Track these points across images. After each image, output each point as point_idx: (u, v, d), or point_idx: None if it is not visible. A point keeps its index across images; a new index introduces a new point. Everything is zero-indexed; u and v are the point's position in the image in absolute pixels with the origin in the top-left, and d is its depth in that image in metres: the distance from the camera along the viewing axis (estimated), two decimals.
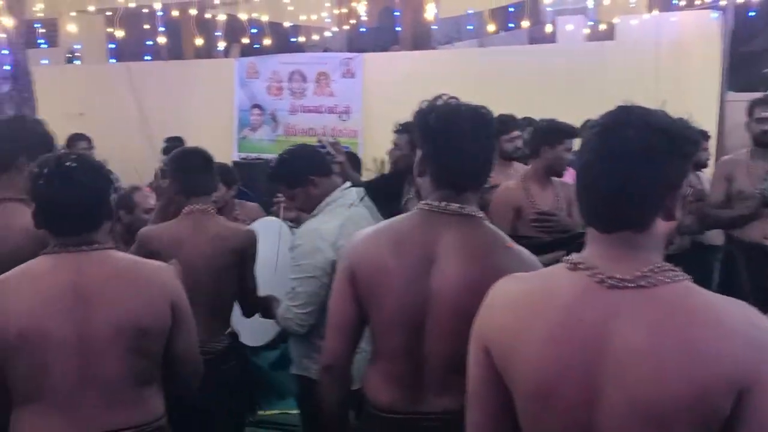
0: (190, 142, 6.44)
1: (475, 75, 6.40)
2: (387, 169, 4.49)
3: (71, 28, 7.86)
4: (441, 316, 1.58)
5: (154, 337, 1.78)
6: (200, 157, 2.62)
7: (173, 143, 6.26)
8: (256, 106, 7.45)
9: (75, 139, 4.95)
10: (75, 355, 1.68)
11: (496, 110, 1.85)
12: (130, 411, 1.76)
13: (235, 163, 6.40)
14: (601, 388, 1.09)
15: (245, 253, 2.57)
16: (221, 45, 6.94)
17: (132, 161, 5.02)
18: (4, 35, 6.07)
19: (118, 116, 7.53)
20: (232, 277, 2.54)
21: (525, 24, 6.44)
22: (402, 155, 3.21)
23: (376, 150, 3.33)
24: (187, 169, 2.57)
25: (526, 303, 1.19)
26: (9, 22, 5.99)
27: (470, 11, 7.36)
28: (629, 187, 1.09)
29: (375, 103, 7.01)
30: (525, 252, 1.65)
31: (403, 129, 3.24)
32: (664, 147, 1.09)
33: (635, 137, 1.09)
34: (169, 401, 1.89)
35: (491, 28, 7.04)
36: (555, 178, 3.30)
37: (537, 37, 7.37)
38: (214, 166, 2.66)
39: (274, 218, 3.22)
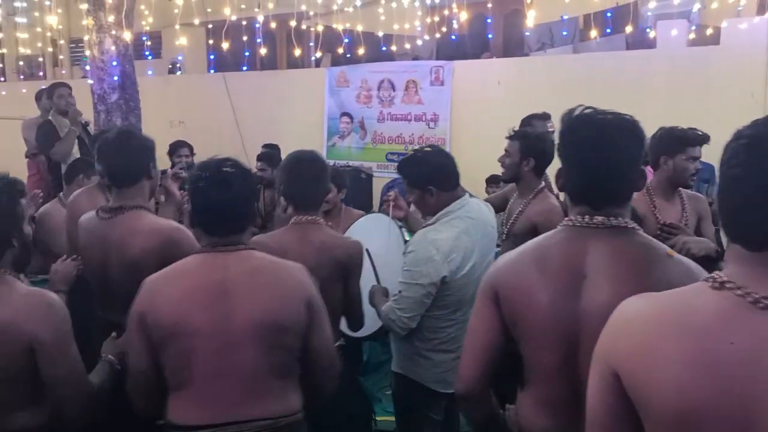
0: (282, 149, 6.63)
1: (569, 81, 6.22)
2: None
3: (175, 40, 8.29)
4: (596, 336, 1.40)
5: (291, 333, 1.87)
6: (316, 167, 2.49)
7: (270, 149, 6.45)
8: (345, 114, 7.56)
9: (178, 146, 5.15)
10: (216, 347, 1.81)
11: None
12: (267, 403, 1.86)
13: None
14: (756, 416, 0.99)
15: (351, 264, 2.49)
16: (316, 54, 7.10)
17: None
18: (114, 48, 6.46)
19: (216, 124, 7.86)
20: (337, 289, 2.46)
21: (628, 29, 6.18)
22: (513, 163, 3.14)
23: (464, 158, 3.27)
24: (300, 178, 2.44)
25: (664, 323, 1.09)
26: (120, 35, 6.37)
27: (565, 17, 7.14)
28: None
29: (464, 111, 6.95)
30: (689, 261, 1.52)
31: (515, 136, 3.17)
32: None
33: None
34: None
35: (587, 33, 6.82)
36: (684, 190, 3.11)
37: (634, 42, 7.06)
38: (328, 175, 2.53)
39: (383, 215, 3.19)
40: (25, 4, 7.90)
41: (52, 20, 6.60)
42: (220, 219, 1.88)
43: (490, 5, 6.64)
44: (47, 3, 7.65)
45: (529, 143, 3.10)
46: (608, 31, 6.73)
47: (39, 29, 8.97)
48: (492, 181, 5.87)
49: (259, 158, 5.25)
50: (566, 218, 1.59)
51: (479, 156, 5.35)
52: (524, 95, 6.26)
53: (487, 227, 2.67)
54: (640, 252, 1.51)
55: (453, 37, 7.21)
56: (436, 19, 6.81)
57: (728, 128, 1.11)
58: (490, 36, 7.59)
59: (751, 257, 1.05)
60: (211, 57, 8.30)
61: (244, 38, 7.56)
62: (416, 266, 2.45)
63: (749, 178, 1.03)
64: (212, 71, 8.50)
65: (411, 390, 2.60)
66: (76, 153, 4.97)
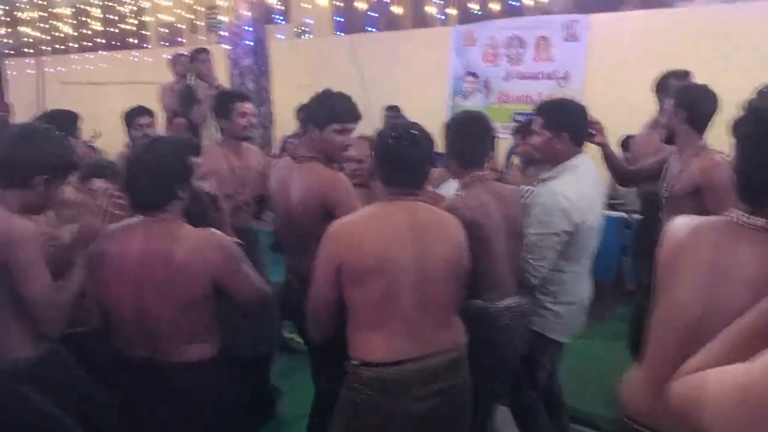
0: (405, 111, 6.58)
1: (722, 36, 5.63)
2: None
3: (303, 3, 8.42)
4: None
5: (464, 268, 2.15)
6: (482, 125, 2.60)
7: (392, 112, 6.44)
8: (471, 73, 7.34)
9: (136, 113, 4.77)
10: (416, 282, 2.01)
11: (751, 79, 1.53)
12: (453, 333, 2.13)
13: None
14: None
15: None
16: (449, 11, 6.94)
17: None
18: (248, 13, 6.66)
19: (342, 87, 7.89)
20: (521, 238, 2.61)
21: None
22: (668, 120, 2.92)
23: (598, 115, 3.06)
24: (468, 136, 2.56)
25: None
26: (253, 1, 6.56)
27: None
28: None
29: (600, 68, 6.52)
30: None
31: (674, 93, 2.95)
32: None
33: None
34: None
35: None
36: None
37: None
38: (493, 135, 2.65)
39: None
40: None
41: None
42: (408, 172, 2.10)
43: None
44: None
45: (685, 98, 2.86)
46: None
47: None
48: (626, 144, 5.49)
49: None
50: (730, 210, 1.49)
51: (616, 115, 5.00)
52: (668, 51, 5.75)
53: (600, 185, 2.83)
54: None
55: None
56: None
57: None
58: None
59: None
60: (339, 19, 8.37)
61: None
62: (548, 215, 2.54)
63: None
64: (340, 33, 8.56)
65: (530, 339, 2.70)
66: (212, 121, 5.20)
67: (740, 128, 1.44)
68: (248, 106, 3.53)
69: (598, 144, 3.10)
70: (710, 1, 6.80)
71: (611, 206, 5.18)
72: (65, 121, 3.27)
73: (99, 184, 2.77)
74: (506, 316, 2.48)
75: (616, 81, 6.33)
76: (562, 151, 2.65)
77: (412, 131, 2.13)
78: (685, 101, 2.84)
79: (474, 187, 2.49)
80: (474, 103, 7.34)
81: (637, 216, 5.01)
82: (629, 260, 4.87)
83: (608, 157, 3.20)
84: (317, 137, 2.66)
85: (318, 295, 2.09)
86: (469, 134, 2.56)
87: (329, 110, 2.66)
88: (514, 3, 7.04)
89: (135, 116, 4.12)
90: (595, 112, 3.15)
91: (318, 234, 2.29)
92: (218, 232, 2.13)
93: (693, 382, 1.00)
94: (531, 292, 2.64)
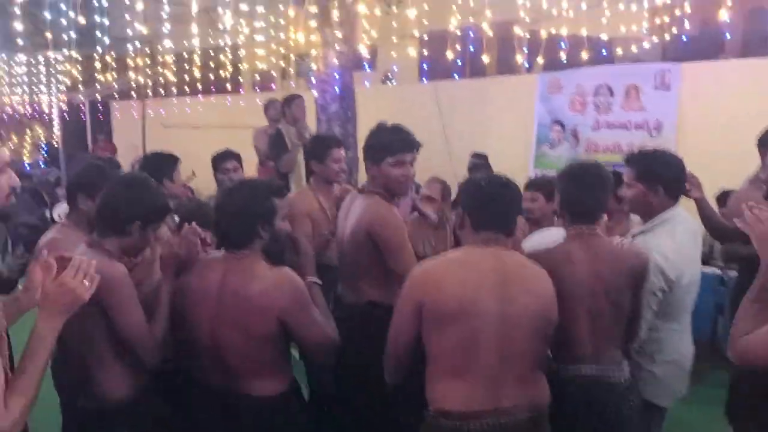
0: (489, 158, 6.57)
1: None
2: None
3: (390, 51, 8.65)
4: None
5: (551, 325, 2.08)
6: (601, 176, 2.45)
7: (478, 159, 6.44)
8: (557, 122, 7.27)
9: (224, 157, 4.49)
10: (499, 333, 1.98)
11: None
12: (535, 390, 2.06)
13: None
14: None
15: (643, 273, 2.43)
16: (537, 60, 6.95)
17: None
18: (337, 61, 6.91)
19: (425, 131, 8.01)
20: (626, 297, 2.39)
21: None
22: None
23: (693, 168, 2.97)
24: (583, 187, 2.42)
25: None
26: (342, 50, 6.81)
27: None
28: None
29: (693, 119, 6.31)
30: None
31: None
32: None
33: None
34: None
35: None
36: None
37: None
38: (610, 187, 2.49)
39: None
40: (263, 24, 8.77)
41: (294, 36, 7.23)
42: (499, 217, 2.11)
43: (729, 1, 5.96)
44: (282, 22, 8.42)
45: None
46: None
47: (273, 46, 9.91)
48: (723, 198, 5.24)
49: (472, 170, 5.19)
50: None
51: (711, 168, 4.81)
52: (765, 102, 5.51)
53: (698, 237, 2.70)
54: None
55: (683, 37, 6.59)
56: (666, 19, 6.28)
57: None
58: (727, 35, 6.81)
59: None
60: (424, 66, 8.53)
61: (456, 47, 7.65)
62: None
63: None
64: (424, 80, 8.71)
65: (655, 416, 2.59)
66: (300, 162, 5.37)
67: None
68: (342, 153, 3.66)
69: (694, 198, 2.99)
70: None
71: (705, 262, 4.94)
72: (165, 163, 3.47)
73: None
74: (576, 385, 2.26)
75: (711, 132, 6.10)
76: (656, 205, 2.56)
77: (503, 178, 2.17)
78: None
79: (572, 241, 2.37)
80: (560, 152, 7.24)
81: (732, 273, 4.75)
82: (724, 320, 4.61)
83: (704, 212, 3.09)
84: (376, 172, 2.68)
85: (397, 337, 2.09)
86: (586, 185, 2.40)
87: (383, 144, 2.69)
88: (602, 52, 6.96)
89: (222, 160, 4.24)
90: (689, 164, 3.05)
91: (364, 267, 2.35)
92: (293, 273, 2.21)
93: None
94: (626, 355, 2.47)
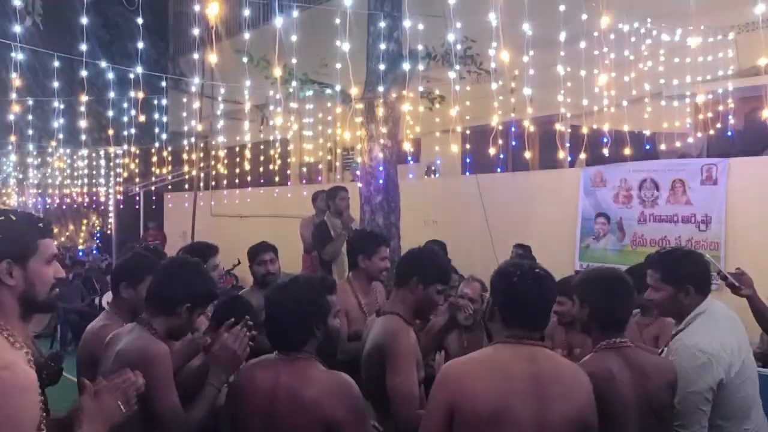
0: (534, 250, 6.52)
1: None
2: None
3: (433, 145, 8.86)
4: None
5: (591, 429, 1.95)
6: (628, 286, 2.35)
7: (521, 250, 6.40)
8: (602, 214, 7.23)
9: (261, 249, 4.30)
10: None
11: None
12: None
13: (577, 273, 6.22)
14: None
15: (676, 386, 2.33)
16: (580, 156, 7.02)
17: (476, 267, 5.23)
18: (381, 155, 7.12)
19: (467, 224, 8.07)
20: (670, 412, 2.31)
21: None
22: None
23: (741, 265, 2.89)
24: (614, 297, 2.32)
25: None
26: (387, 144, 7.03)
27: None
28: None
29: (742, 213, 6.19)
30: None
31: None
32: None
33: None
34: None
35: None
36: None
37: None
38: (633, 294, 2.38)
39: None
40: (312, 120, 9.16)
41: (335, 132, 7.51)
42: (532, 313, 1.99)
43: None
44: (329, 118, 8.78)
45: None
46: None
47: (321, 140, 10.29)
48: None
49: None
50: None
51: (761, 263, 4.66)
52: None
53: (739, 323, 2.55)
54: None
55: (729, 133, 6.58)
56: (709, 115, 6.31)
57: None
58: None
59: None
60: (467, 160, 8.69)
61: (499, 141, 7.80)
62: (685, 374, 2.31)
63: None
64: (467, 173, 8.84)
65: None
66: (344, 253, 5.42)
67: None
68: (388, 252, 3.68)
69: (744, 296, 2.87)
70: None
71: (763, 362, 4.68)
72: (204, 252, 3.54)
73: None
74: None
75: (760, 227, 5.96)
76: (688, 305, 2.46)
77: (536, 270, 2.05)
78: None
79: (606, 355, 2.25)
80: (606, 245, 7.15)
81: None
82: None
83: (756, 307, 2.96)
84: (419, 293, 2.67)
85: None
86: (617, 295, 2.31)
87: (438, 269, 2.69)
88: (645, 146, 6.98)
89: (259, 252, 4.16)
90: (737, 258, 2.97)
91: (373, 390, 2.30)
92: (350, 380, 2.12)
93: None
94: None
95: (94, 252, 15.10)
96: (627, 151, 6.40)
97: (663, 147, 7.16)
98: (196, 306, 2.33)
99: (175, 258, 2.74)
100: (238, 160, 10.48)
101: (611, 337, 2.28)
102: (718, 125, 6.31)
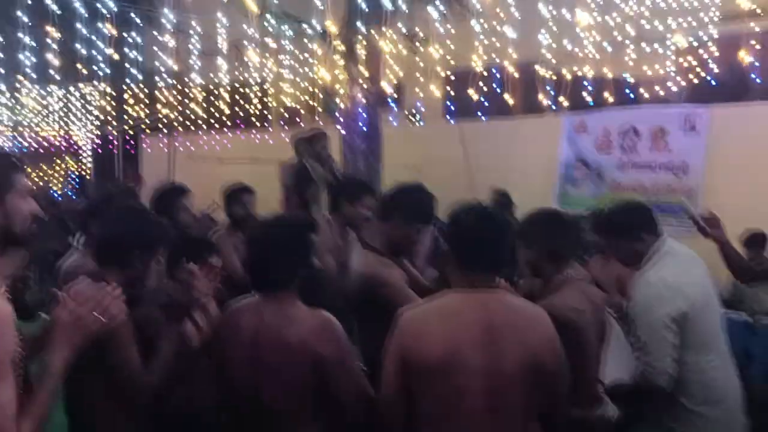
0: (513, 196, 6.54)
1: None
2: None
3: (416, 90, 8.74)
4: None
5: (549, 374, 1.91)
6: (565, 221, 2.51)
7: (500, 197, 6.42)
8: (582, 161, 7.24)
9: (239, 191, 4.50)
10: (486, 388, 1.85)
11: None
12: None
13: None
14: None
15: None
16: (560, 101, 6.97)
17: None
18: (363, 99, 7.01)
19: (450, 170, 8.05)
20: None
21: None
22: None
23: (719, 212, 2.92)
24: (554, 235, 2.43)
25: None
26: (368, 88, 6.91)
27: None
28: None
29: (721, 162, 6.23)
30: None
31: None
32: None
33: None
34: None
35: None
36: None
37: None
38: (574, 228, 2.53)
39: None
40: (291, 60, 8.95)
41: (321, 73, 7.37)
42: (486, 256, 1.93)
43: (756, 44, 5.95)
44: (310, 60, 8.58)
45: None
46: None
47: (299, 82, 10.08)
48: (752, 243, 5.13)
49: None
50: None
51: (737, 211, 4.73)
52: None
53: (700, 262, 2.63)
54: None
55: (711, 80, 6.55)
56: (693, 62, 6.27)
57: None
58: (755, 78, 6.76)
59: None
60: (449, 105, 8.60)
61: (482, 86, 7.72)
62: (647, 307, 2.41)
63: None
64: (449, 119, 8.77)
65: None
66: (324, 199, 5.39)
67: None
68: (373, 201, 3.63)
69: (714, 238, 2.93)
70: None
71: (733, 307, 4.80)
72: (172, 193, 3.60)
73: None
74: (602, 427, 2.31)
75: (738, 175, 6.02)
76: (645, 249, 2.56)
77: (486, 210, 2.03)
78: None
79: (568, 288, 2.36)
80: (584, 191, 7.20)
81: (764, 320, 4.64)
82: (756, 369, 4.46)
83: (726, 252, 3.02)
84: (399, 230, 2.67)
85: (385, 391, 1.96)
86: (556, 231, 2.43)
87: (421, 209, 2.68)
88: (627, 93, 6.95)
89: (235, 193, 4.21)
90: (716, 206, 2.99)
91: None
92: (334, 319, 2.10)
93: None
94: (670, 398, 2.44)
95: (71, 195, 14.90)
96: (609, 98, 6.37)
97: (645, 93, 7.15)
98: (146, 251, 2.24)
99: (120, 207, 2.67)
100: (215, 101, 10.27)
101: (561, 268, 2.37)
102: (699, 71, 6.28)
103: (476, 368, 1.85)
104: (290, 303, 2.09)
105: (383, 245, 2.70)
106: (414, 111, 9.70)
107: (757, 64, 6.38)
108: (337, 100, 7.25)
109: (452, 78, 8.09)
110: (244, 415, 2.12)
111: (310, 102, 10.12)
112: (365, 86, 6.91)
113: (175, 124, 11.28)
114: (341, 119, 7.22)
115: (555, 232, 2.43)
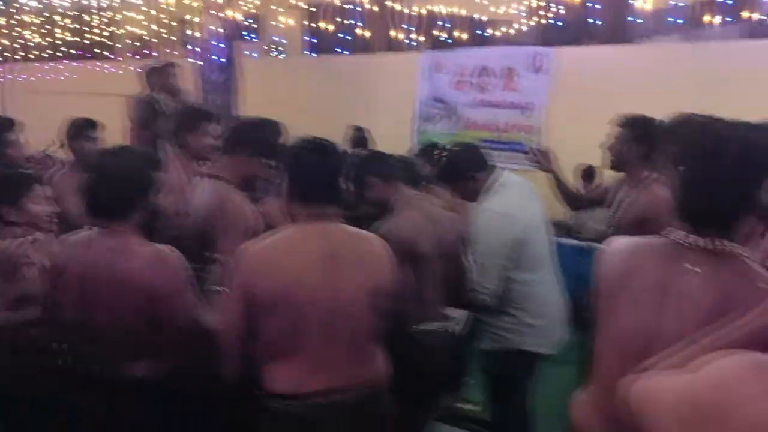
0: (372, 133, 6.64)
1: (681, 74, 5.82)
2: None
3: (275, 22, 8.47)
4: None
5: (388, 297, 2.01)
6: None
7: (357, 132, 6.49)
8: (439, 99, 7.45)
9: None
10: (328, 314, 1.90)
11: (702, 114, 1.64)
12: (371, 367, 2.01)
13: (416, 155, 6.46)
14: None
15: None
16: (418, 38, 7.05)
17: None
18: (220, 29, 6.68)
19: (311, 106, 7.97)
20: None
21: (747, 16, 5.69)
22: (621, 150, 3.02)
23: (560, 148, 3.19)
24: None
25: None
26: (225, 17, 6.59)
27: (679, 3, 6.70)
28: None
29: (562, 100, 6.67)
30: None
31: (625, 122, 3.04)
32: None
33: None
34: None
35: (702, 21, 6.36)
36: None
37: (759, 32, 6.52)
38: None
39: None
40: None
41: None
42: (318, 183, 1.97)
43: None
44: None
45: (639, 129, 2.98)
46: (728, 19, 6.24)
47: (153, 11, 9.42)
48: (589, 176, 5.61)
49: (352, 142, 5.22)
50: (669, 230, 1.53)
51: (576, 147, 5.12)
52: (628, 86, 5.93)
53: (531, 190, 2.90)
54: (741, 283, 1.41)
55: (557, 22, 6.92)
56: (541, 2, 6.56)
57: None
58: (595, 22, 7.25)
59: None
60: (309, 39, 8.44)
61: (343, 21, 7.63)
62: (484, 234, 2.65)
63: None
64: (310, 53, 8.62)
65: (514, 361, 2.76)
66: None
67: (683, 157, 1.51)
68: (217, 128, 3.49)
69: (547, 171, 3.24)
70: (671, 39, 7.02)
71: (567, 234, 5.26)
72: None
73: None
74: (435, 340, 2.49)
75: (578, 113, 6.48)
76: (476, 185, 2.80)
77: (324, 143, 2.04)
78: (638, 133, 2.95)
79: (409, 209, 2.53)
80: (440, 129, 7.43)
81: (596, 245, 5.10)
82: (584, 288, 4.93)
83: (559, 183, 3.33)
84: (243, 162, 2.67)
85: (227, 324, 1.95)
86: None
87: (267, 143, 2.67)
88: (481, 32, 7.18)
89: (78, 127, 3.98)
90: (557, 141, 3.24)
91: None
92: (173, 251, 2.08)
93: (649, 385, 1.04)
94: (495, 312, 2.72)
95: None
96: (463, 36, 6.55)
97: (496, 33, 7.42)
98: None
99: None
100: (54, 29, 9.34)
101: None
102: (547, 13, 6.61)
103: (319, 296, 1.89)
104: (125, 236, 2.05)
105: (230, 176, 2.67)
106: (274, 45, 9.44)
107: (598, 7, 6.80)
108: (190, 31, 6.86)
109: (312, 10, 7.92)
110: (77, 355, 2.08)
111: (162, 31, 9.51)
112: (221, 15, 6.59)
113: (7, 53, 10.15)
114: (196, 50, 6.86)
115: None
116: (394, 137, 7.00)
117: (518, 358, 2.74)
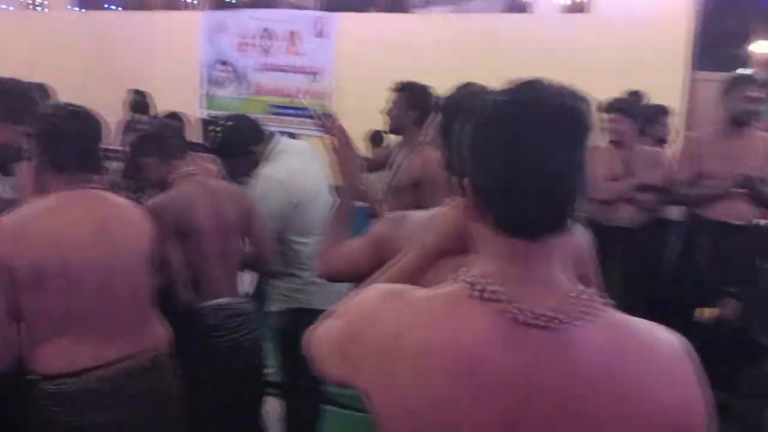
0: (155, 97, 6.28)
1: (448, 41, 6.31)
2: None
3: None
4: None
5: (158, 262, 2.07)
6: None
7: (138, 96, 6.09)
8: (223, 62, 7.25)
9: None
10: (100, 282, 1.84)
11: (468, 80, 1.77)
12: (149, 332, 1.99)
13: (205, 122, 6.24)
14: None
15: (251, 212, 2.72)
16: None
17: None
18: None
19: (79, 67, 7.27)
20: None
21: None
22: (398, 115, 3.21)
23: (349, 113, 3.32)
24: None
25: None
26: None
27: None
28: None
29: (348, 66, 6.88)
30: None
31: (401, 87, 3.22)
32: None
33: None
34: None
35: None
36: None
37: (516, 5, 7.30)
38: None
39: None
40: None
41: None
42: (85, 155, 1.90)
43: None
44: None
45: (414, 95, 3.18)
46: None
47: None
48: (374, 139, 5.90)
49: (131, 106, 4.87)
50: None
51: (365, 112, 5.35)
52: (406, 53, 6.30)
53: (315, 155, 2.98)
54: None
55: None
56: None
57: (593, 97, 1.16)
58: None
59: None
60: None
61: None
62: (262, 200, 2.70)
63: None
64: (77, 9, 7.83)
65: (300, 319, 2.72)
66: None
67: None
68: None
69: (333, 135, 3.35)
70: (443, 9, 7.53)
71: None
72: None
73: None
74: (218, 315, 2.44)
75: (364, 79, 6.74)
76: (256, 159, 2.86)
77: (78, 109, 1.94)
78: (418, 102, 3.15)
79: (184, 184, 2.45)
80: (229, 93, 7.25)
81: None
82: None
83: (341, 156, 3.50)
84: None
85: None
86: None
87: (15, 108, 2.33)
88: None
89: None
90: (346, 107, 3.36)
91: None
92: None
93: (317, 333, 1.08)
94: (281, 274, 2.82)
95: None
96: None
97: None
98: None
99: None
100: None
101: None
102: None
103: (92, 264, 1.82)
104: None
105: None
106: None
107: None
108: None
109: None
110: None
111: None
112: None
113: None
114: None
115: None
116: (178, 102, 6.69)
117: (307, 316, 2.83)
